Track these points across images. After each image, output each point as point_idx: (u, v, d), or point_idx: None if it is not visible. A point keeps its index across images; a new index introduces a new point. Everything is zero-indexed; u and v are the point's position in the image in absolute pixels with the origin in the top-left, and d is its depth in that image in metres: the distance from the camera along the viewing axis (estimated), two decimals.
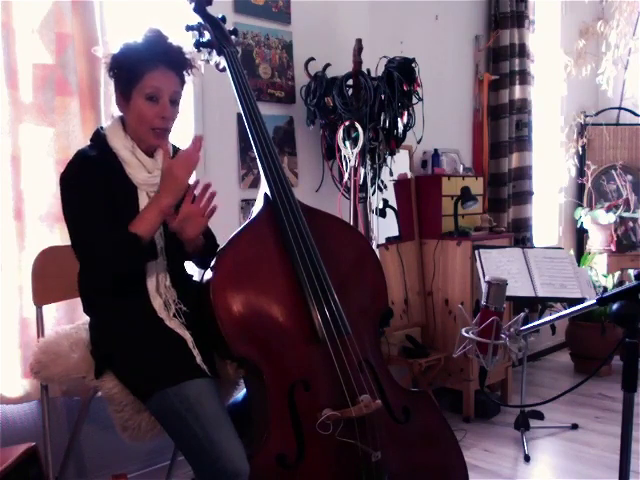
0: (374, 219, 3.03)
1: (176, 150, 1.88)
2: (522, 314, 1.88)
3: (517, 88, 4.07)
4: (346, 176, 2.84)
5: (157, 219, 1.62)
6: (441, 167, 3.59)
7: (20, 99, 2.13)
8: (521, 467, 2.79)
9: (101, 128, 1.78)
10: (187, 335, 1.68)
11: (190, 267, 1.95)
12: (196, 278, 1.95)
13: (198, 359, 1.64)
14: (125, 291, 1.71)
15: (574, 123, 4.74)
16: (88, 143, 1.79)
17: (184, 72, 1.76)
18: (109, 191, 1.67)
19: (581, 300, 2.86)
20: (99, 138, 1.74)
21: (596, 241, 4.53)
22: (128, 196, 1.68)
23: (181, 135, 2.56)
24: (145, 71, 1.66)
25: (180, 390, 1.57)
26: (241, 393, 1.90)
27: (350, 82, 2.88)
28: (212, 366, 1.70)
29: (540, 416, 3.27)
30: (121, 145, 1.71)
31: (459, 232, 3.37)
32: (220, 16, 2.10)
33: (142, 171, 1.72)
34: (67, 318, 2.19)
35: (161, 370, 1.61)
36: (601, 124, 4.71)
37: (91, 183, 1.65)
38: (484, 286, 1.77)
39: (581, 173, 4.70)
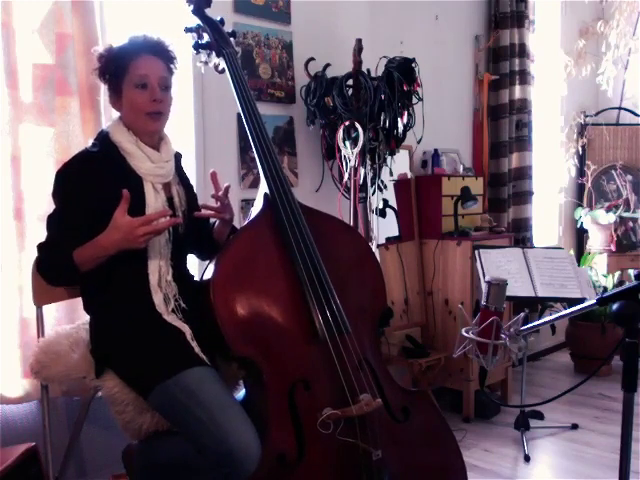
0: (374, 219, 3.03)
1: (178, 156, 1.90)
2: (522, 314, 1.88)
3: (517, 88, 4.07)
4: (346, 176, 2.84)
5: (97, 260, 1.65)
6: (441, 167, 3.58)
7: (20, 99, 2.13)
8: (521, 467, 2.79)
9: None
10: (185, 328, 1.68)
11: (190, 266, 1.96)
12: (196, 278, 1.95)
13: (197, 349, 1.65)
14: (126, 287, 1.72)
15: (574, 123, 4.73)
16: (88, 143, 1.80)
17: (170, 63, 1.80)
18: (111, 185, 1.67)
19: (581, 300, 2.85)
20: (101, 135, 1.78)
21: (596, 241, 4.52)
22: (133, 188, 1.69)
23: (181, 135, 2.57)
24: (129, 62, 1.72)
25: (180, 379, 1.57)
26: (241, 393, 1.90)
27: (350, 82, 2.88)
28: (212, 363, 1.69)
29: (540, 416, 3.27)
30: (124, 139, 1.74)
31: (459, 232, 3.36)
32: (219, 18, 2.10)
33: (146, 161, 1.74)
34: (67, 318, 2.18)
35: (159, 364, 1.61)
36: (601, 124, 4.71)
37: (81, 184, 1.68)
38: (484, 286, 1.77)
39: (581, 173, 4.70)
